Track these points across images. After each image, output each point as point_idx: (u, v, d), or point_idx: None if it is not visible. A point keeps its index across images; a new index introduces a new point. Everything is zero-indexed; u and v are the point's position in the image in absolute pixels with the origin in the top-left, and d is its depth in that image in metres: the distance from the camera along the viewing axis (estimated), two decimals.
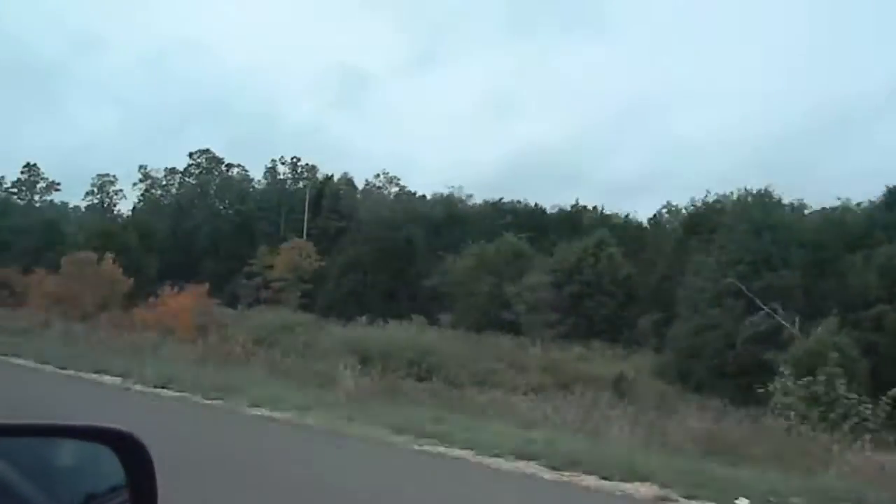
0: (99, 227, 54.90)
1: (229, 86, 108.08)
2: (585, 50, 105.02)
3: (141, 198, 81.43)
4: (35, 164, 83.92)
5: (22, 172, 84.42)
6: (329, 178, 73.32)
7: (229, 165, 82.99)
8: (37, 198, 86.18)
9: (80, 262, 31.20)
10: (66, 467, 1.76)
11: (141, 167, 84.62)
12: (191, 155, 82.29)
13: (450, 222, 64.00)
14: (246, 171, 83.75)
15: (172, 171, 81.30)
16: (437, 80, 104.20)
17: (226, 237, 66.68)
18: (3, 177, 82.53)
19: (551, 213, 64.21)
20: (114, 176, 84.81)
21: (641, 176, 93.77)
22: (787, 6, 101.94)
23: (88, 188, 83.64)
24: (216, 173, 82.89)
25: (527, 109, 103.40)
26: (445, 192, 71.97)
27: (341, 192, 71.12)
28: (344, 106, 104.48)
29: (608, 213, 62.13)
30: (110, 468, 1.68)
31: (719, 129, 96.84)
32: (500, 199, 70.56)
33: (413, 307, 42.25)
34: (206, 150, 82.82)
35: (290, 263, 51.27)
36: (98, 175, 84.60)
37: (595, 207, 64.52)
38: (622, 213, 62.91)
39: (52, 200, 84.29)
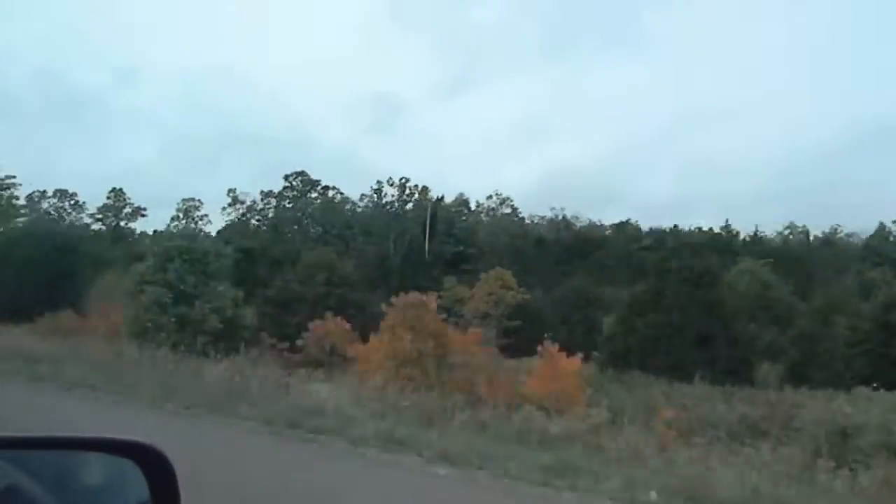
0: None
1: (263, 113, 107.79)
2: (618, 71, 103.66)
3: (235, 220, 78.60)
4: (121, 189, 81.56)
5: (108, 198, 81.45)
6: (440, 200, 70.60)
7: (326, 188, 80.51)
8: (122, 223, 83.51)
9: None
10: (88, 481, 1.74)
11: (230, 191, 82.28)
12: (286, 178, 79.95)
13: (590, 247, 61.07)
14: (342, 192, 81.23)
15: (269, 193, 78.76)
16: (471, 104, 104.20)
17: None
18: (84, 202, 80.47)
19: (690, 233, 61.17)
20: (199, 200, 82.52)
21: (673, 196, 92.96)
22: (819, 27, 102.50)
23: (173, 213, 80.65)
24: (312, 195, 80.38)
25: (560, 131, 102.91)
26: (548, 214, 69.48)
27: (456, 213, 68.31)
28: (377, 131, 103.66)
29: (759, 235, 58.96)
30: (134, 482, 1.66)
31: (751, 148, 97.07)
32: (628, 219, 67.85)
33: (732, 358, 31.53)
34: (302, 173, 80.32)
35: (489, 296, 44.74)
36: (183, 199, 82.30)
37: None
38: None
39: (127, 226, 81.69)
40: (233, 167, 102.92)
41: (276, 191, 79.10)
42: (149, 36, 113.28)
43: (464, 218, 69.55)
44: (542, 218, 70.26)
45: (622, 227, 66.14)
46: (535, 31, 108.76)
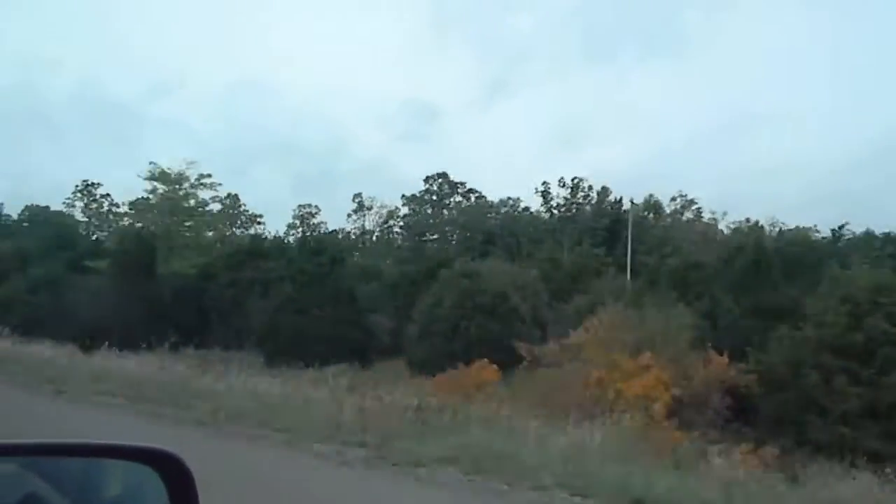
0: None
1: (296, 123, 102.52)
2: (660, 75, 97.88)
3: (382, 230, 70.05)
4: (236, 195, 74.02)
5: (222, 203, 74.34)
6: (618, 203, 59.54)
7: (471, 191, 70.74)
8: (237, 231, 76.21)
9: None
10: (108, 489, 1.73)
11: (356, 196, 73.86)
12: (426, 179, 70.79)
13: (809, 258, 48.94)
14: (483, 196, 71.29)
15: (412, 198, 69.59)
16: (507, 111, 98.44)
17: None
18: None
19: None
20: (315, 206, 74.41)
21: (710, 201, 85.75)
22: (860, 31, 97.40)
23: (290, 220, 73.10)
24: (454, 199, 70.85)
25: (598, 136, 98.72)
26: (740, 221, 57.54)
27: (647, 217, 57.11)
28: (411, 139, 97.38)
29: None
30: (154, 491, 1.65)
31: (793, 153, 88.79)
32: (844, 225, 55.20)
33: None
34: (443, 174, 71.01)
35: None
36: (299, 205, 74.49)
37: None
38: None
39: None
40: (267, 176, 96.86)
41: (416, 195, 69.89)
42: (185, 48, 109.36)
43: (653, 223, 58.19)
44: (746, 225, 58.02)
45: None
46: (575, 35, 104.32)
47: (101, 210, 71.39)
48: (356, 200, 73.80)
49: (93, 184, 72.09)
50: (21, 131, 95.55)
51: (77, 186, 71.30)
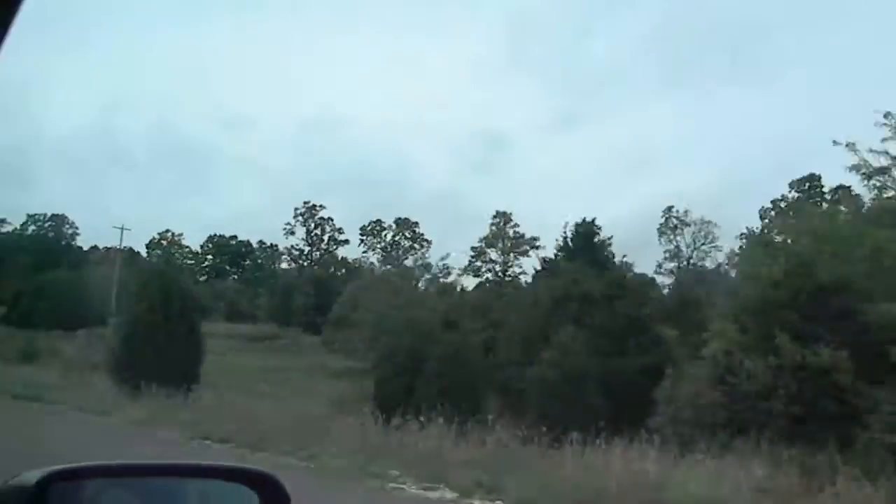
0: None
1: (367, 154, 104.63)
2: (737, 99, 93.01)
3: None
4: (331, 219, 73.78)
5: (316, 226, 74.69)
6: None
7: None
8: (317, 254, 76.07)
9: None
10: None
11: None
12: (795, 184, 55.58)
13: None
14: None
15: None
16: (580, 139, 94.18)
17: None
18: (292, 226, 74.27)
19: None
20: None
21: None
22: None
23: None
24: None
25: (673, 163, 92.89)
26: None
27: None
28: (481, 170, 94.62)
29: None
30: None
31: None
32: None
33: None
34: (814, 176, 54.65)
35: None
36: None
37: None
38: None
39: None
40: (337, 209, 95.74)
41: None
42: (256, 86, 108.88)
43: None
44: None
45: None
46: (653, 61, 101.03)
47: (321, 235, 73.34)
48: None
49: (314, 206, 72.80)
50: (100, 172, 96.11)
51: (297, 209, 72.54)
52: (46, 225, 71.59)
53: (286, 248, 75.74)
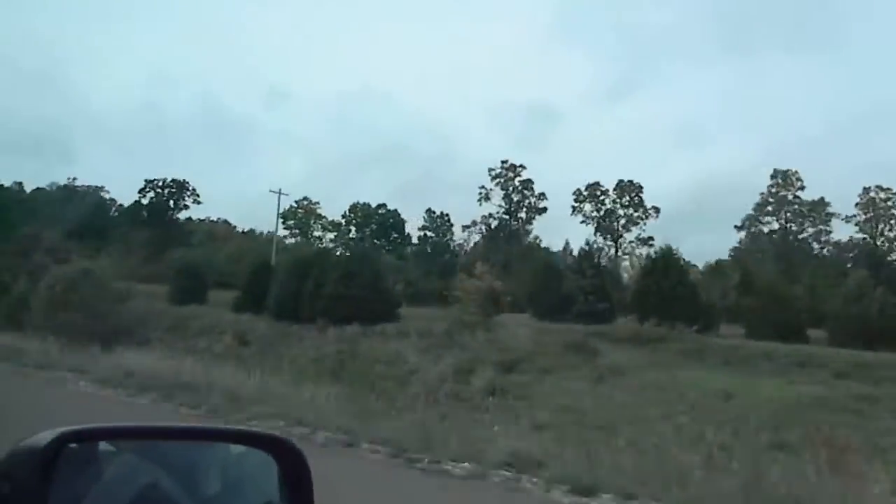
0: None
1: (408, 130, 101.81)
2: (798, 70, 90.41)
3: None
4: (530, 181, 66.07)
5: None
6: None
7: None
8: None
9: None
10: (220, 473, 1.71)
11: (588, 186, 64.21)
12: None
13: None
14: None
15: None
16: (631, 110, 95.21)
17: None
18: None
19: None
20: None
21: (837, 199, 73.00)
22: None
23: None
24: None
25: (726, 134, 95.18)
26: None
27: None
28: (529, 144, 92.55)
29: None
30: (266, 478, 1.66)
31: None
32: None
33: None
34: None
35: None
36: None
37: None
38: None
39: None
40: (374, 183, 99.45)
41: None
42: (296, 60, 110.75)
43: None
44: None
45: None
46: (710, 30, 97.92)
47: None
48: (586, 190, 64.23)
49: (513, 166, 63.71)
50: (147, 145, 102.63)
51: (492, 171, 64.34)
52: (166, 192, 67.92)
53: (480, 217, 64.37)
